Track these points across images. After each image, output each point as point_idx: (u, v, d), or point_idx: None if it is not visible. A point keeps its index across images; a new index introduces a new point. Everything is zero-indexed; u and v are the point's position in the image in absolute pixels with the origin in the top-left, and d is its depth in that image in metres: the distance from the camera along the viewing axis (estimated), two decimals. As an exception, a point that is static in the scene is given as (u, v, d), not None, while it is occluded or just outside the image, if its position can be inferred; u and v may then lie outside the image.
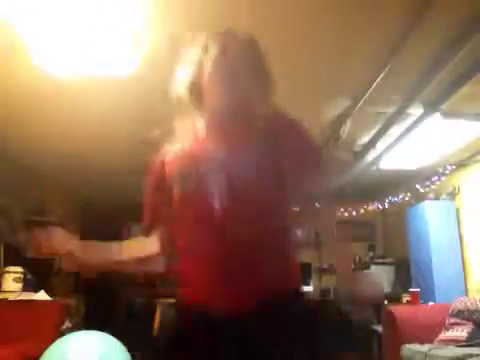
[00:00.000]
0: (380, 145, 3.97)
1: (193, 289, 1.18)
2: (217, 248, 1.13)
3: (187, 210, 1.21)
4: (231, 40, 1.24)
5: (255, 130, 1.21)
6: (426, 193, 4.93)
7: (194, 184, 1.18)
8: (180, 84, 1.25)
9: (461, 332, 3.59)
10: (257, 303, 1.09)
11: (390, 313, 3.99)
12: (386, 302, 4.63)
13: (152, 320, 4.83)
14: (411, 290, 4.38)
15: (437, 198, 4.82)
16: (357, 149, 4.25)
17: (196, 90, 1.24)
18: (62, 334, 3.14)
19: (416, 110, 3.26)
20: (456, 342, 3.46)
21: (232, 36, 1.26)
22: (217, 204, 1.13)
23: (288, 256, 1.22)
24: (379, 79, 2.82)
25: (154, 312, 4.89)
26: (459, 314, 3.76)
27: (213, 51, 1.21)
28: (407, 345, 3.61)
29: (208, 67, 1.21)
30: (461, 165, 4.56)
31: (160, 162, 1.31)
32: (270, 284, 1.13)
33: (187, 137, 1.27)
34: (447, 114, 3.21)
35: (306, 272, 6.46)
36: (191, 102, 1.26)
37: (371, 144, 3.99)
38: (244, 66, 1.21)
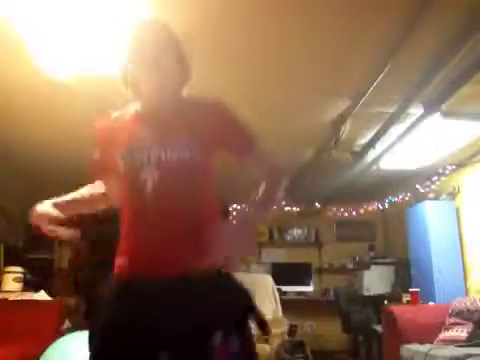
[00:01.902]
0: (380, 145, 3.97)
1: (124, 258, 1.24)
2: (146, 222, 1.21)
3: (125, 181, 1.29)
4: (145, 28, 1.31)
5: (182, 112, 1.30)
6: (426, 193, 4.93)
7: (134, 160, 1.25)
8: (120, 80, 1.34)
9: (461, 332, 3.59)
10: (180, 274, 1.14)
11: (390, 313, 3.99)
12: (386, 302, 4.63)
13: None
14: (411, 290, 4.37)
15: (437, 198, 4.81)
16: (357, 149, 4.25)
17: (130, 81, 1.33)
18: (62, 334, 3.14)
19: (416, 110, 3.26)
20: (456, 342, 3.46)
21: (145, 24, 1.33)
22: (150, 182, 1.21)
23: (213, 237, 1.21)
24: (379, 79, 2.82)
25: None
26: (459, 314, 3.76)
27: (132, 43, 1.30)
28: (407, 345, 3.61)
29: (130, 58, 1.29)
30: (461, 165, 4.55)
31: (110, 125, 1.38)
32: (192, 258, 1.17)
33: (129, 119, 1.35)
34: (447, 114, 3.21)
35: (306, 272, 6.46)
36: (130, 93, 1.36)
37: (371, 144, 3.99)
38: (162, 50, 1.28)
